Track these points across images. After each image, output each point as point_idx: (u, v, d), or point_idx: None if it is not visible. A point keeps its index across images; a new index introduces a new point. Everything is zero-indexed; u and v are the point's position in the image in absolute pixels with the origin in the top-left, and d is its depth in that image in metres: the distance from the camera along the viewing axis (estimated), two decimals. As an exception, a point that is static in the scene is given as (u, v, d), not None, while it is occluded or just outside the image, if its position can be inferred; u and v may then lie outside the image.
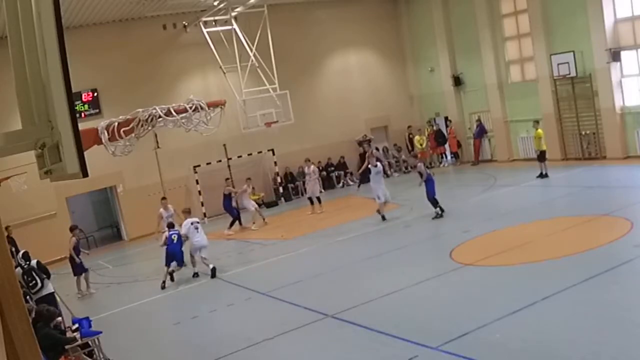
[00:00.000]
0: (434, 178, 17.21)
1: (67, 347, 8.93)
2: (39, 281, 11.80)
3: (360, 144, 27.37)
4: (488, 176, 22.48)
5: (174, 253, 14.80)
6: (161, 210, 17.34)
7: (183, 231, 15.29)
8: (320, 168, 24.96)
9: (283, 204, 25.14)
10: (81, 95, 21.89)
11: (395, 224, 16.85)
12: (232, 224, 20.50)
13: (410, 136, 27.93)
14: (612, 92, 20.44)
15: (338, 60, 27.62)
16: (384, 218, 17.65)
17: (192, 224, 15.46)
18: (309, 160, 22.37)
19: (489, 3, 24.33)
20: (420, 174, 17.13)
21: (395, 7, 28.95)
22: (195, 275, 15.32)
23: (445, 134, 27.29)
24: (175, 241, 14.96)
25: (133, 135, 6.51)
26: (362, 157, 27.31)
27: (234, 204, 20.90)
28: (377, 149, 26.98)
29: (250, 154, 25.00)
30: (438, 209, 16.81)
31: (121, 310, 13.70)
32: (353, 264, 13.88)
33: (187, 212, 16.99)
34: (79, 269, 15.60)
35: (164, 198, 18.32)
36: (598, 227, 13.23)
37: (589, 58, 20.85)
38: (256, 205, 21.34)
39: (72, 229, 15.90)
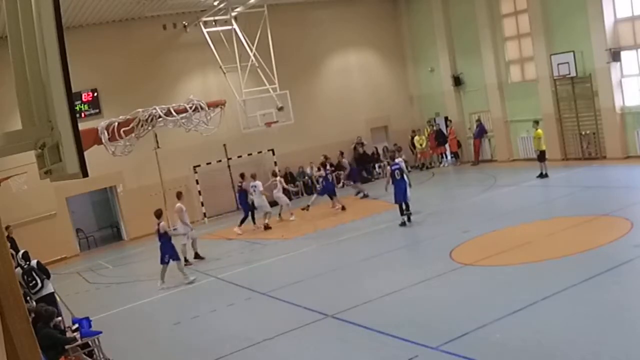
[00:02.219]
0: (407, 180, 16.57)
1: (67, 347, 8.93)
2: (39, 281, 11.79)
3: (355, 147, 27.37)
4: (488, 176, 22.48)
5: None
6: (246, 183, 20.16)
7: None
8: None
9: (283, 204, 25.13)
10: (81, 95, 21.89)
11: (395, 224, 16.83)
12: (242, 222, 20.20)
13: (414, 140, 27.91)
14: (612, 92, 20.44)
15: (338, 60, 27.62)
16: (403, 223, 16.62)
17: (251, 186, 19.73)
18: (327, 157, 22.85)
19: (489, 3, 24.33)
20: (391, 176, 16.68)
21: (395, 7, 28.95)
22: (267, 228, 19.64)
23: (446, 134, 27.30)
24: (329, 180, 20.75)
25: (133, 135, 6.50)
26: (358, 159, 27.30)
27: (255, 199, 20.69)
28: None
29: (250, 154, 25.00)
30: (405, 216, 16.45)
31: (121, 310, 13.70)
32: (353, 264, 13.88)
33: (252, 177, 20.16)
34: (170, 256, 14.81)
35: (241, 174, 21.11)
36: (598, 227, 13.23)
37: (589, 58, 20.84)
38: (287, 201, 21.35)
39: (159, 215, 15.09)
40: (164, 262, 14.74)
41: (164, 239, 14.73)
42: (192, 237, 17.34)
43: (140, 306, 13.85)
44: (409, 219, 16.47)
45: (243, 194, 20.68)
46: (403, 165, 17.15)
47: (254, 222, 20.56)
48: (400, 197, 16.48)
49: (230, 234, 20.18)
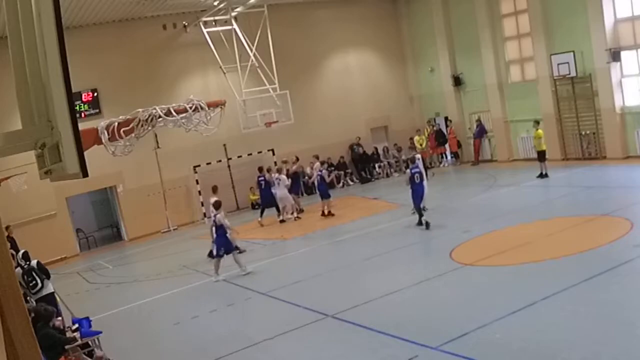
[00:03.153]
0: (425, 184, 16.15)
1: (67, 347, 8.92)
2: (39, 281, 11.79)
3: (352, 147, 27.32)
4: (488, 176, 22.49)
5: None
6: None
7: None
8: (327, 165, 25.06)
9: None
10: (81, 95, 21.89)
11: (395, 224, 16.84)
12: (278, 210, 20.89)
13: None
14: (612, 92, 20.44)
15: (338, 60, 27.62)
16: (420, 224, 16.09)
17: (275, 179, 20.53)
18: (318, 157, 22.86)
19: (489, 3, 24.32)
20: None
21: (395, 7, 28.95)
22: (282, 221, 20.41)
23: (446, 134, 27.30)
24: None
25: (133, 135, 6.51)
26: (357, 160, 27.27)
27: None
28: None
29: (250, 154, 25.00)
30: (423, 219, 15.90)
31: (121, 310, 13.69)
32: (353, 264, 13.88)
33: (278, 171, 20.97)
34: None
35: (259, 168, 21.73)
36: (598, 227, 13.23)
37: (589, 58, 20.84)
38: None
39: (217, 206, 14.69)
40: (218, 254, 14.53)
41: (220, 231, 14.46)
42: None
43: (140, 306, 13.84)
44: (419, 222, 15.93)
45: (267, 187, 20.89)
46: (422, 167, 16.62)
47: (261, 216, 20.74)
48: (419, 201, 15.95)
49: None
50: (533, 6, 22.41)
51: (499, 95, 24.78)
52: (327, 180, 20.40)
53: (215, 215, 14.61)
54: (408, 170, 16.52)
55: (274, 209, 21.05)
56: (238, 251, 16.28)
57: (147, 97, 19.04)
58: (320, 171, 20.91)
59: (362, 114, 27.81)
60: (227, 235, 14.51)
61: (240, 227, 21.09)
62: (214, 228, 14.69)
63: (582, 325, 8.21)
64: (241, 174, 24.62)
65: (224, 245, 14.45)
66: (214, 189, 18.13)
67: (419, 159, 17.11)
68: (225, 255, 14.48)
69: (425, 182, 16.27)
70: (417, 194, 15.97)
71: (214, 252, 14.68)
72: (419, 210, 16.07)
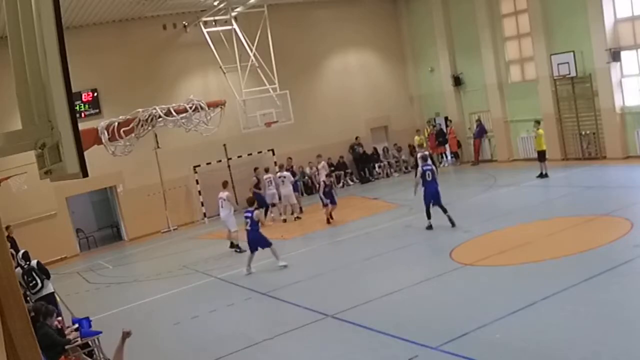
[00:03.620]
0: (437, 183, 15.68)
1: (67, 347, 8.91)
2: (39, 281, 11.79)
3: (353, 148, 27.32)
4: (488, 176, 22.49)
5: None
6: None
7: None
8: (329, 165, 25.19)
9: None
10: (81, 95, 21.89)
11: (395, 224, 16.83)
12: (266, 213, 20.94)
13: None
14: (612, 92, 20.44)
15: (338, 60, 27.62)
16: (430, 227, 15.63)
17: (279, 177, 20.77)
18: (320, 156, 23.21)
19: (489, 3, 24.33)
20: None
21: (395, 7, 28.96)
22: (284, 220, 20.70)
23: (446, 133, 27.30)
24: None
25: (133, 135, 6.49)
26: (357, 161, 27.26)
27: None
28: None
29: (250, 154, 25.01)
30: (430, 222, 15.53)
31: (121, 310, 13.69)
32: (353, 264, 13.88)
33: (281, 168, 21.61)
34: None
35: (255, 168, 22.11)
36: (598, 227, 13.23)
37: (589, 58, 20.85)
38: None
39: (251, 202, 14.90)
40: (264, 246, 14.54)
41: (255, 226, 14.47)
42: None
43: (140, 306, 13.84)
44: (450, 221, 15.27)
45: (257, 188, 21.14)
46: (434, 167, 16.20)
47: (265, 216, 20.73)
48: (430, 199, 15.49)
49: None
50: (533, 6, 22.42)
51: (499, 95, 24.79)
52: (320, 192, 19.96)
53: (252, 212, 14.55)
54: (419, 168, 16.04)
55: (274, 209, 21.10)
56: (239, 250, 16.42)
57: (147, 97, 19.04)
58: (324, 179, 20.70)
59: (362, 114, 27.82)
60: (260, 230, 14.58)
61: (242, 226, 21.16)
62: (249, 225, 14.52)
63: (582, 325, 8.21)
64: (241, 174, 24.58)
65: (259, 239, 14.49)
66: (224, 184, 18.46)
67: (429, 157, 16.90)
68: (261, 249, 14.50)
69: (438, 179, 15.84)
70: (429, 191, 15.47)
71: (253, 248, 14.73)
72: (428, 210, 15.53)
